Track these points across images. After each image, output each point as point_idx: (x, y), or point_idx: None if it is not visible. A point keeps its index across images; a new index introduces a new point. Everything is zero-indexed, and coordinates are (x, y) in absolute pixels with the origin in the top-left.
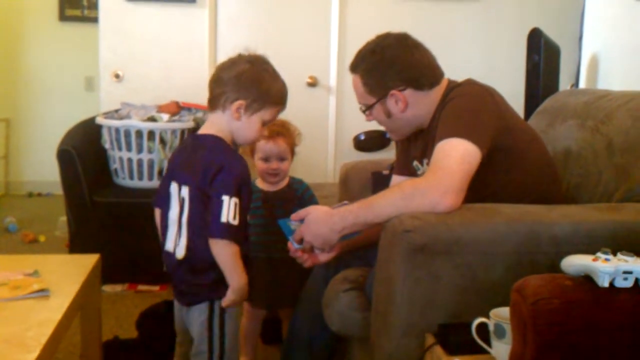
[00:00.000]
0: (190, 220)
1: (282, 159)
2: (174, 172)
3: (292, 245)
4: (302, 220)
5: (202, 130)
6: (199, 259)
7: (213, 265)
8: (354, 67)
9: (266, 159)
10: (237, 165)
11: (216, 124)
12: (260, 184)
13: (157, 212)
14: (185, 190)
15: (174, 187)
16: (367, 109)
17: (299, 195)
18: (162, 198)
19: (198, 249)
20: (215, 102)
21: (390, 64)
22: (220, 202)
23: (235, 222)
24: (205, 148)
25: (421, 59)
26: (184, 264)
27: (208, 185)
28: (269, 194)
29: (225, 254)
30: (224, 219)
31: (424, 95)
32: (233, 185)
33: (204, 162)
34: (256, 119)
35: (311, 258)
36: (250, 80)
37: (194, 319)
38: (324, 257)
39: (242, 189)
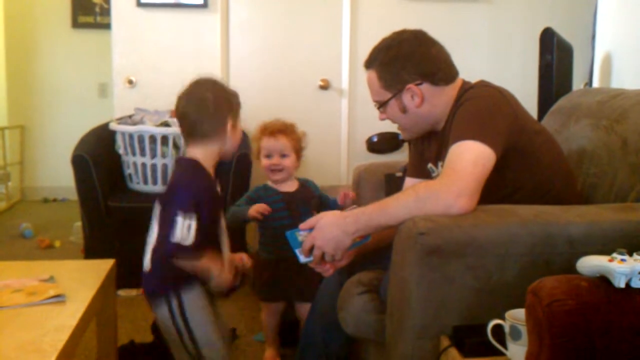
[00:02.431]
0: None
1: (283, 155)
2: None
3: (299, 258)
4: (310, 230)
5: (188, 155)
6: (155, 274)
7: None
8: (370, 63)
9: (268, 156)
10: (193, 184)
11: (200, 151)
12: (274, 185)
13: None
14: (157, 206)
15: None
16: (383, 105)
17: (314, 193)
18: None
19: (157, 264)
20: (202, 136)
21: (407, 58)
22: (174, 223)
23: (187, 242)
24: (177, 172)
25: (438, 55)
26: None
27: (165, 202)
28: (289, 195)
29: (186, 267)
30: (174, 239)
31: (439, 91)
32: (187, 204)
33: (169, 183)
34: (238, 127)
35: (332, 266)
36: (224, 100)
37: (160, 318)
38: (336, 265)
39: (201, 206)
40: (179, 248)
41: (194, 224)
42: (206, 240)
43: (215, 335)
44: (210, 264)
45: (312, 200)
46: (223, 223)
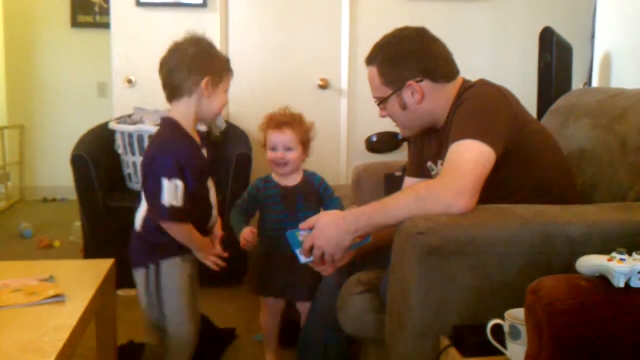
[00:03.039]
0: (145, 200)
1: (288, 148)
2: None
3: (299, 258)
4: (311, 230)
5: (168, 115)
6: (147, 232)
7: (156, 238)
8: (371, 60)
9: (274, 149)
10: (174, 146)
11: (180, 110)
12: (276, 178)
13: None
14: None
15: None
16: (383, 102)
17: (316, 187)
18: None
19: (148, 222)
20: (178, 90)
21: (408, 54)
22: (161, 186)
23: (178, 204)
24: (157, 133)
25: (439, 52)
26: (135, 234)
27: (147, 167)
28: (287, 190)
29: (177, 234)
30: (165, 202)
31: (440, 89)
32: (171, 167)
33: (149, 144)
34: (220, 90)
35: (330, 265)
36: (206, 57)
37: (138, 284)
38: (335, 265)
39: (185, 170)
40: (172, 209)
41: (180, 184)
42: (194, 209)
43: (186, 312)
44: (194, 232)
45: (310, 196)
46: (213, 194)
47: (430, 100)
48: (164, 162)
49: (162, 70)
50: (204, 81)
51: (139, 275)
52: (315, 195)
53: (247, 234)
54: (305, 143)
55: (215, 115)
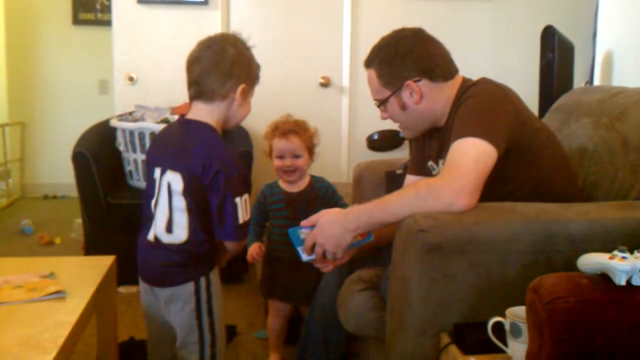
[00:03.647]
0: (190, 209)
1: (296, 156)
2: (157, 156)
3: (301, 256)
4: (313, 228)
5: (193, 117)
6: (197, 244)
7: (205, 249)
8: (369, 62)
9: (281, 157)
10: (236, 160)
11: (212, 113)
12: (282, 184)
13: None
14: (172, 176)
15: (157, 172)
16: (383, 103)
17: (321, 194)
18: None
19: (197, 235)
20: (210, 92)
21: (405, 55)
22: (235, 206)
23: (248, 217)
24: (202, 140)
25: (436, 51)
26: (172, 247)
27: (209, 182)
28: (291, 195)
29: (236, 249)
30: (240, 220)
31: (438, 88)
32: (241, 184)
33: (202, 155)
34: (249, 99)
35: (332, 262)
36: (246, 63)
37: (177, 306)
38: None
39: (247, 180)
40: (243, 227)
41: (247, 197)
42: None
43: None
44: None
45: (314, 203)
46: None
47: (429, 99)
48: (238, 179)
49: (194, 68)
50: (240, 88)
51: (184, 291)
52: (319, 201)
53: (254, 250)
54: (310, 149)
55: (238, 124)
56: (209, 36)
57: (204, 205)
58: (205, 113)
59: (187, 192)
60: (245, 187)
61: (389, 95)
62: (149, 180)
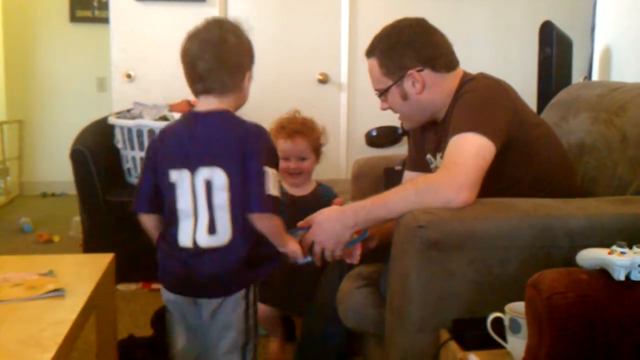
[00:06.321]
0: (234, 203)
1: (301, 158)
2: (174, 158)
3: (298, 259)
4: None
5: (206, 109)
6: (244, 242)
7: (253, 247)
8: (370, 51)
9: (286, 159)
10: (267, 134)
11: (224, 104)
12: (285, 186)
13: (148, 218)
14: (211, 172)
15: (179, 174)
16: (384, 93)
17: (325, 202)
18: (152, 198)
19: (243, 231)
20: (223, 86)
21: (408, 44)
22: (264, 174)
23: (277, 193)
24: (231, 127)
25: (439, 41)
26: (220, 251)
27: (248, 158)
28: (294, 198)
29: (273, 227)
30: (269, 191)
31: (440, 79)
32: (271, 155)
33: (238, 140)
34: (250, 82)
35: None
36: (247, 51)
37: (225, 312)
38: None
39: (276, 155)
40: (274, 200)
41: (277, 174)
42: None
43: None
44: (285, 231)
45: (315, 209)
46: None
47: (430, 89)
48: (269, 147)
49: (197, 63)
50: (247, 76)
51: (234, 301)
52: (319, 209)
53: None
54: (317, 150)
55: (242, 106)
56: (203, 25)
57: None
58: (217, 105)
59: (232, 186)
60: (275, 160)
61: (390, 84)
62: (165, 183)
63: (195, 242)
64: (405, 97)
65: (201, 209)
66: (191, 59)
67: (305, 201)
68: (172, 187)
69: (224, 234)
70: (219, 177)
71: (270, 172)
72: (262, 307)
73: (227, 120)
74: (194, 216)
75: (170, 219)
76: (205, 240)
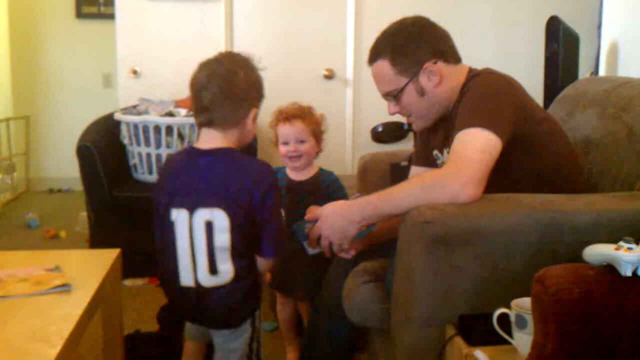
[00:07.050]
0: (235, 243)
1: (300, 141)
2: (174, 196)
3: (307, 250)
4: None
5: (209, 146)
6: (247, 276)
7: (256, 277)
8: (378, 54)
9: (285, 143)
10: (274, 176)
11: (225, 140)
12: (288, 171)
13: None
14: (212, 213)
15: (177, 213)
16: (399, 92)
17: (324, 187)
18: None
19: (246, 268)
20: (226, 120)
21: (418, 38)
22: (279, 218)
23: (284, 232)
24: (237, 168)
25: (443, 33)
26: (226, 288)
27: (258, 206)
28: (293, 183)
29: (270, 265)
30: (281, 237)
31: (452, 70)
32: (279, 196)
33: (245, 181)
34: (256, 120)
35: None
36: (255, 87)
37: (232, 339)
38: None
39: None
40: (282, 243)
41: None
42: None
43: None
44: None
45: (315, 193)
46: None
47: (446, 81)
48: (277, 186)
49: (203, 94)
50: (252, 113)
51: (242, 330)
52: (321, 193)
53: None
54: (317, 135)
55: (246, 144)
56: (215, 56)
57: (248, 234)
58: (218, 141)
59: (233, 227)
60: (280, 197)
61: (406, 82)
62: (164, 223)
63: (197, 282)
64: (422, 92)
65: (199, 250)
66: (198, 88)
67: (305, 185)
68: (172, 226)
69: (226, 273)
70: (220, 218)
71: (282, 213)
72: (278, 308)
73: (232, 161)
74: (192, 257)
75: (171, 257)
76: (208, 281)
